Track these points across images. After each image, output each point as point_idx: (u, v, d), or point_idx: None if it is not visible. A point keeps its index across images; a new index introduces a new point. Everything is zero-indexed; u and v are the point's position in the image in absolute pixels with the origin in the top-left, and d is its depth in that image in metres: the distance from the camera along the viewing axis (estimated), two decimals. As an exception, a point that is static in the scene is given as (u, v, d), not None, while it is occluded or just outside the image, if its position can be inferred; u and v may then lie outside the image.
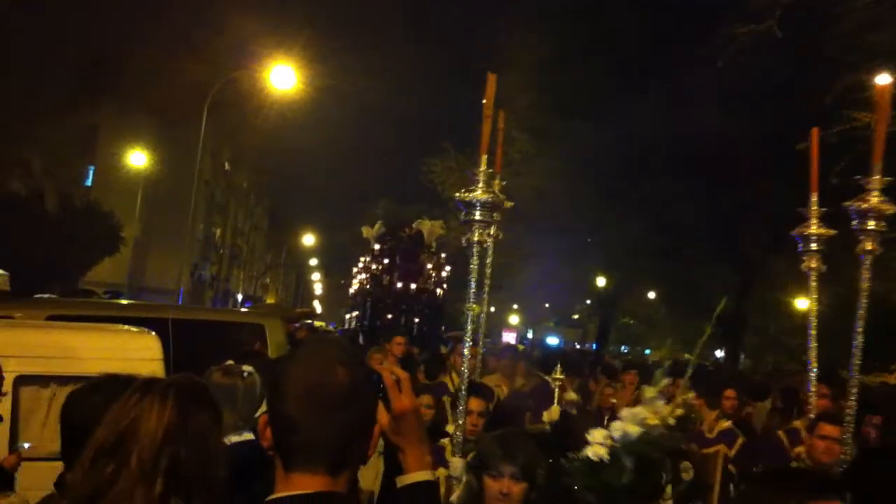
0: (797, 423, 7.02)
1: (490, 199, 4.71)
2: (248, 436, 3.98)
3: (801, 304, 31.56)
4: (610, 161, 22.95)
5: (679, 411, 3.47)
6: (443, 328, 28.78)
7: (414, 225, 28.56)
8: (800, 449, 6.21)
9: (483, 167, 4.79)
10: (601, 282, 30.89)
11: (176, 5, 36.47)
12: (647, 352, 49.25)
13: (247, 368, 4.21)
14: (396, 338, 11.25)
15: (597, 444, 3.37)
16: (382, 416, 2.06)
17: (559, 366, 6.82)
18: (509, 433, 3.90)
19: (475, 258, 4.75)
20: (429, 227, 28.01)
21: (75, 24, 29.19)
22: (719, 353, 35.93)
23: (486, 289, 5.67)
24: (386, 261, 28.08)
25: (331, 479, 1.79)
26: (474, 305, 4.88)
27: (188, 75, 32.63)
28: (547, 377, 8.67)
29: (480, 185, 4.71)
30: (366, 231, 29.16)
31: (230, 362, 4.26)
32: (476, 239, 4.68)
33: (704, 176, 22.15)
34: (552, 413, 6.44)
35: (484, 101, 4.98)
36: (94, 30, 31.09)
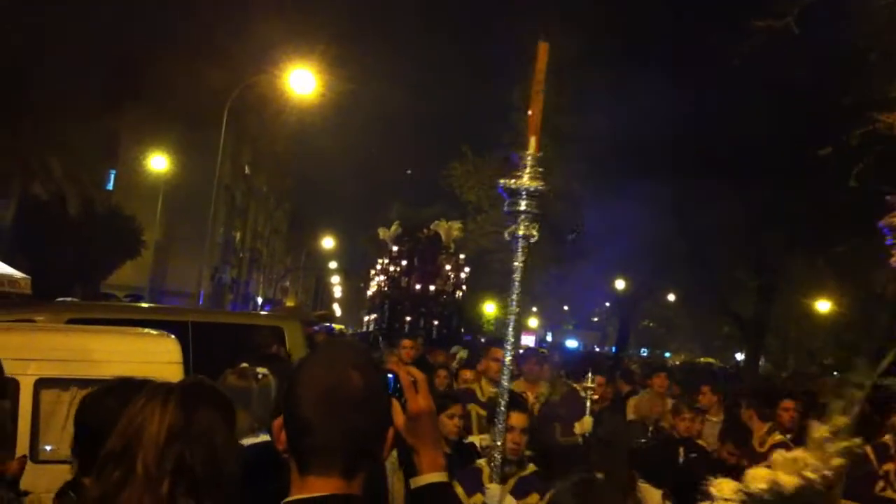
0: (886, 438, 6.31)
1: (539, 188, 4.10)
2: (264, 437, 3.99)
3: (822, 306, 31.44)
4: (629, 163, 22.90)
5: (838, 461, 2.64)
6: (462, 330, 28.68)
7: (432, 226, 28.44)
8: (889, 466, 5.80)
9: (532, 150, 4.17)
10: (620, 284, 30.80)
11: (197, 11, 36.67)
12: (667, 355, 49.13)
13: (261, 370, 4.21)
14: (404, 341, 10.81)
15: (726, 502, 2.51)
16: (398, 417, 2.08)
17: (591, 373, 6.38)
18: (587, 483, 3.41)
19: (520, 254, 4.19)
20: (446, 229, 27.93)
21: (98, 31, 29.42)
22: (739, 356, 35.77)
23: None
24: (404, 262, 27.92)
25: (345, 482, 1.79)
26: (515, 307, 4.34)
27: (209, 80, 32.80)
28: (575, 385, 8.27)
29: (528, 170, 4.09)
30: (382, 232, 29.12)
31: (244, 365, 4.26)
32: (522, 233, 4.13)
33: (726, 178, 22.06)
34: (584, 424, 5.97)
35: (534, 76, 4.40)
36: (117, 36, 31.34)
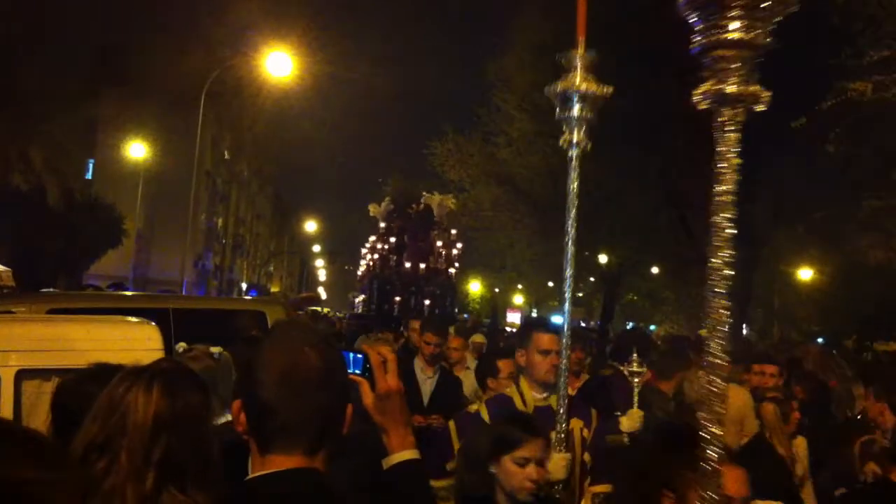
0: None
1: (593, 91, 3.80)
2: (228, 417, 4.01)
3: (805, 274, 31.66)
4: (613, 136, 22.89)
5: None
6: (455, 311, 28.32)
7: (422, 200, 27.97)
8: None
9: (581, 49, 3.89)
10: (603, 259, 30.85)
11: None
12: (653, 328, 49.33)
13: (214, 350, 4.22)
14: (412, 322, 10.19)
15: None
16: (367, 397, 2.12)
17: (636, 353, 4.81)
18: None
19: (575, 165, 3.76)
20: (438, 202, 27.48)
21: (74, 18, 29.17)
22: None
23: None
24: (393, 240, 27.39)
25: (307, 459, 1.81)
26: (571, 244, 3.73)
27: (186, 65, 32.62)
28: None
29: (579, 72, 3.78)
30: (373, 209, 28.77)
31: (196, 346, 4.26)
32: (575, 139, 3.79)
33: (707, 148, 22.08)
34: (633, 419, 4.50)
35: None
36: (94, 23, 31.08)
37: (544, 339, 4.43)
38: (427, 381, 7.04)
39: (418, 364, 7.08)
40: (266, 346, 1.90)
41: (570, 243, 3.83)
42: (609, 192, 23.50)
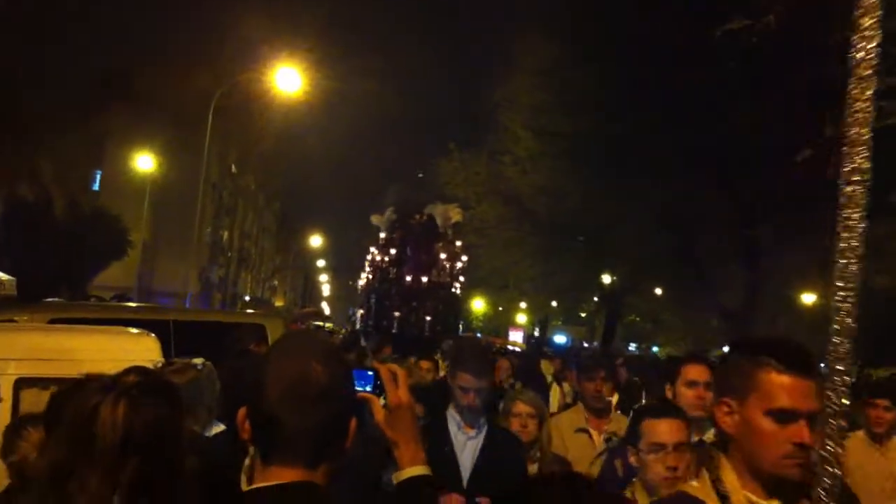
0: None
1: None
2: (220, 427, 4.03)
3: (808, 298, 31.60)
4: (617, 157, 22.95)
5: None
6: (460, 327, 27.99)
7: (426, 210, 27.64)
8: None
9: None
10: (607, 279, 30.86)
11: (184, 11, 36.64)
12: (655, 349, 49.22)
13: (196, 361, 4.25)
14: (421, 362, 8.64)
15: None
16: (378, 412, 2.13)
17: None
18: None
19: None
20: (443, 212, 27.22)
21: (85, 33, 29.36)
22: (727, 350, 35.91)
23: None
24: (393, 252, 27.00)
25: (308, 472, 1.82)
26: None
27: (195, 80, 32.79)
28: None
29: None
30: (375, 219, 28.67)
31: (176, 359, 4.29)
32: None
33: (714, 171, 22.14)
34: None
35: None
36: (105, 38, 31.28)
37: (695, 371, 4.16)
38: (468, 445, 4.17)
39: (452, 418, 4.22)
40: (273, 358, 1.92)
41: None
42: (612, 213, 23.55)
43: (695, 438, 3.76)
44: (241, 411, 1.89)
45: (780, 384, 2.14)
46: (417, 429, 2.21)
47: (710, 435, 3.80)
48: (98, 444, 1.97)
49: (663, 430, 3.41)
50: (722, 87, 19.86)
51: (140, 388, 2.10)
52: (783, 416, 2.11)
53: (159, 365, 4.24)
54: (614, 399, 7.66)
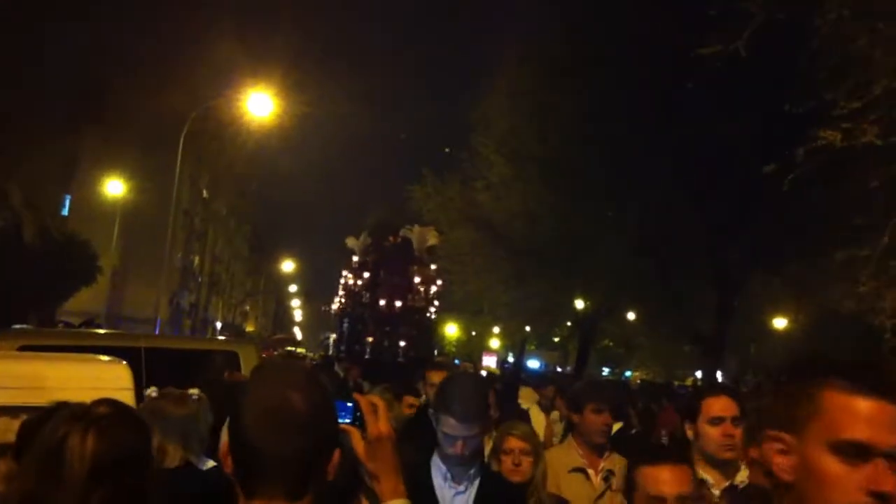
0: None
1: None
2: (212, 462, 3.97)
3: (779, 323, 31.85)
4: (590, 182, 23.05)
5: None
6: (435, 352, 27.85)
7: (402, 233, 27.63)
8: None
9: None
10: (580, 304, 30.93)
11: (155, 36, 36.60)
12: (628, 373, 49.36)
13: (192, 392, 4.20)
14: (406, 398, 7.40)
15: None
16: (358, 444, 2.09)
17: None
18: None
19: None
20: (419, 235, 27.20)
21: (56, 54, 29.24)
22: (699, 374, 36.04)
23: None
24: (367, 275, 26.98)
25: None
26: None
27: (167, 103, 32.66)
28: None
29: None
30: (350, 241, 28.60)
31: (172, 391, 4.23)
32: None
33: (687, 195, 22.29)
34: None
35: None
36: (76, 61, 31.16)
37: (720, 404, 3.82)
38: (455, 501, 3.42)
39: (437, 467, 3.48)
40: (251, 387, 1.90)
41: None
42: (585, 237, 23.61)
43: (723, 484, 3.52)
44: (224, 444, 1.85)
45: (851, 409, 1.58)
46: (398, 461, 2.16)
47: (742, 476, 3.53)
48: (66, 473, 1.98)
49: (664, 479, 2.91)
50: (696, 111, 20.05)
51: (110, 418, 2.13)
52: (855, 453, 1.56)
53: (155, 394, 4.18)
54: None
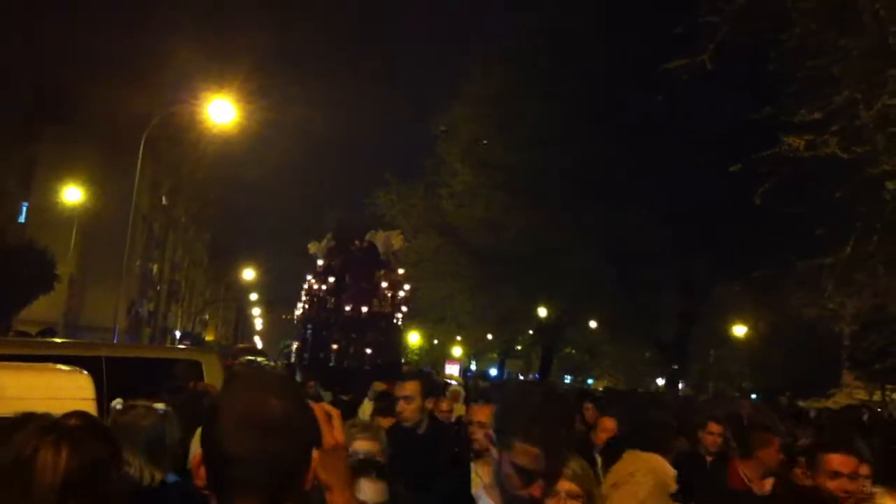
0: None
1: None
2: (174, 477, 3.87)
3: (739, 330, 32.16)
4: (555, 190, 23.13)
5: None
6: (402, 360, 27.59)
7: (367, 237, 27.43)
8: None
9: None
10: (543, 312, 31.00)
11: (118, 40, 36.26)
12: (590, 381, 49.57)
13: (157, 405, 4.09)
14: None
15: None
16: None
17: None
18: None
19: None
20: (384, 239, 27.02)
21: (14, 59, 28.84)
22: (660, 381, 36.30)
23: None
24: (332, 279, 26.70)
25: None
26: None
27: (127, 108, 32.35)
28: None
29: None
30: (312, 246, 28.31)
31: (140, 402, 4.12)
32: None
33: (652, 205, 22.45)
34: None
35: None
36: (36, 65, 30.77)
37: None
38: None
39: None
40: (225, 395, 1.87)
41: None
42: (549, 245, 23.68)
43: None
44: (196, 456, 1.81)
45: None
46: (349, 473, 2.12)
47: None
48: (36, 484, 1.97)
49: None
50: (662, 119, 20.22)
51: (82, 431, 2.13)
52: None
53: (120, 406, 4.07)
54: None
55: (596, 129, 21.40)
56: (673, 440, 5.38)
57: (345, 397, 12.83)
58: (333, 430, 2.07)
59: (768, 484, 5.23)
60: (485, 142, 24.93)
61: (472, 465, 4.09)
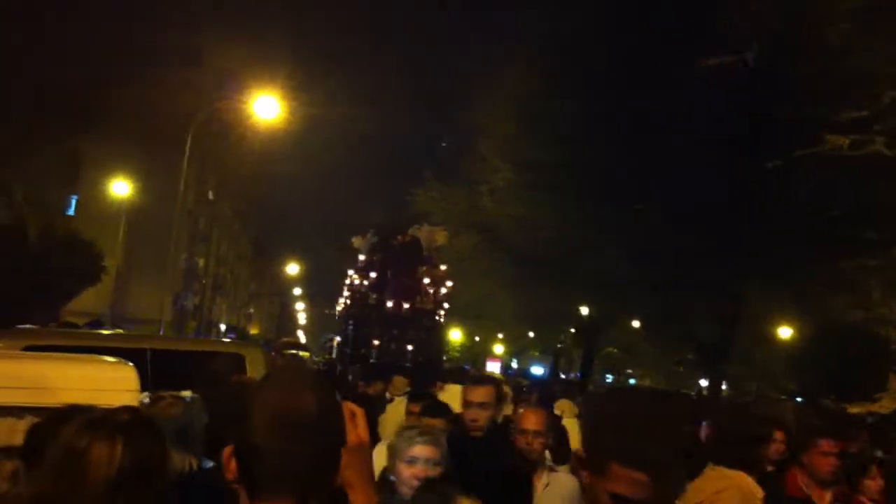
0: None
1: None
2: (210, 462, 3.94)
3: (784, 332, 31.75)
4: (596, 190, 22.97)
5: None
6: (444, 357, 27.36)
7: (410, 231, 27.26)
8: None
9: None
10: (584, 310, 30.87)
11: (161, 36, 36.66)
12: (632, 381, 49.30)
13: (185, 394, 4.17)
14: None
15: None
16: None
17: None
18: None
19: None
20: (428, 234, 26.83)
21: (62, 54, 29.28)
22: (703, 383, 35.97)
23: None
24: (374, 275, 26.56)
25: None
26: None
27: (174, 104, 32.73)
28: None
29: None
30: (356, 241, 28.29)
31: (166, 393, 4.20)
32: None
33: (690, 205, 22.21)
34: None
35: None
36: (82, 59, 31.20)
37: None
38: None
39: None
40: (261, 389, 1.87)
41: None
42: (587, 246, 23.54)
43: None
44: (227, 449, 1.82)
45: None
46: (373, 471, 2.12)
47: None
48: (90, 478, 1.99)
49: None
50: (695, 119, 20.00)
51: (135, 426, 2.16)
52: None
53: (147, 399, 4.15)
54: None
55: (636, 125, 21.21)
56: (762, 455, 5.05)
57: (370, 391, 12.75)
58: (357, 429, 2.08)
59: (828, 496, 4.97)
60: (519, 139, 24.79)
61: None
